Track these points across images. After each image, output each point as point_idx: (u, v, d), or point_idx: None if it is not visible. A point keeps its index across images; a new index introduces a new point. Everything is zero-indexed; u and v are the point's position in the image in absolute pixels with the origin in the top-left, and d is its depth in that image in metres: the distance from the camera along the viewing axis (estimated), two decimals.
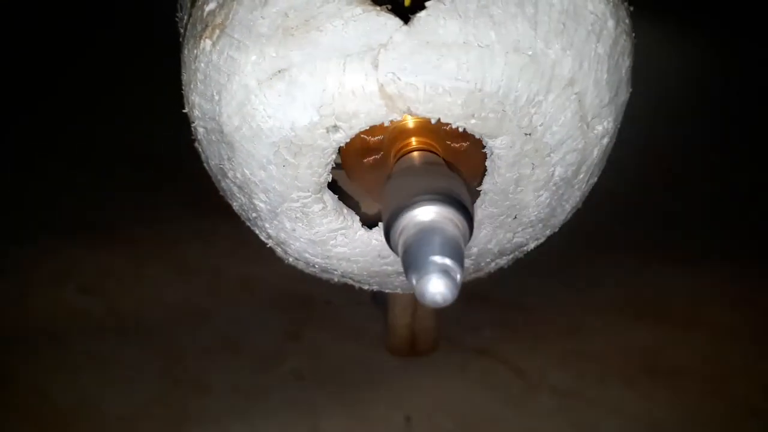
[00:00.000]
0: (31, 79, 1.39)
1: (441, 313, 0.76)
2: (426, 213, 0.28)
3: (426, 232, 0.27)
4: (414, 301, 0.70)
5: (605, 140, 0.34)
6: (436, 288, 0.26)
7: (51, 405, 0.71)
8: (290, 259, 0.40)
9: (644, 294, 0.88)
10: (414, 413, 0.71)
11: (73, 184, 1.10)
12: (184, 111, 0.36)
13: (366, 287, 0.42)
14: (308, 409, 0.72)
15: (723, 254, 0.94)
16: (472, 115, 0.30)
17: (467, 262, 0.39)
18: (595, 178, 0.37)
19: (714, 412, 0.71)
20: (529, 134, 0.31)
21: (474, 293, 0.84)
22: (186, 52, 0.35)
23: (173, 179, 1.04)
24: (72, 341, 0.79)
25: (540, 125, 0.31)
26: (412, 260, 0.27)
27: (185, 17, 0.36)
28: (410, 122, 0.35)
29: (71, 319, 0.82)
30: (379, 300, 0.78)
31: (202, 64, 0.33)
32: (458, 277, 0.26)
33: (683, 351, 0.79)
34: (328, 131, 0.31)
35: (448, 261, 0.26)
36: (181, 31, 0.36)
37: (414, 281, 0.26)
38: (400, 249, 0.28)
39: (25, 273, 0.90)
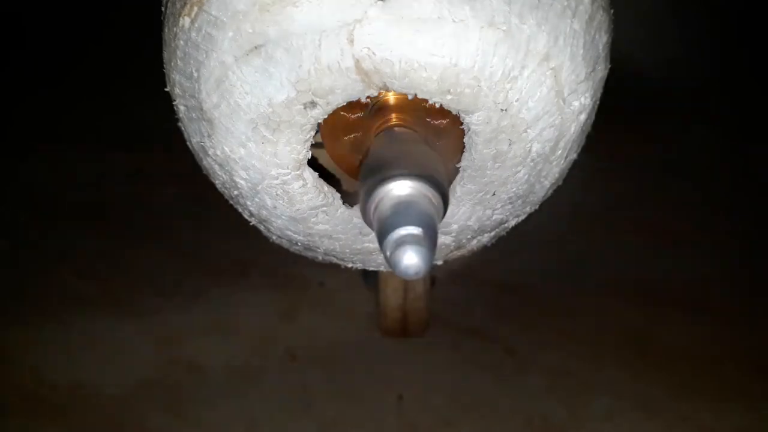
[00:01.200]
0: (34, 70, 1.40)
1: (433, 293, 0.76)
2: (401, 187, 0.28)
3: (401, 205, 0.28)
4: (405, 284, 0.71)
5: (582, 116, 0.34)
6: (410, 260, 0.26)
7: (47, 385, 0.73)
8: (273, 238, 0.40)
9: (636, 275, 0.88)
10: (406, 392, 0.72)
11: (67, 168, 1.10)
12: (165, 89, 0.37)
13: (350, 265, 0.42)
14: (302, 389, 0.73)
15: (716, 237, 0.94)
16: (448, 91, 0.30)
17: (448, 239, 0.39)
18: (574, 155, 0.37)
19: (705, 393, 0.72)
20: (505, 110, 0.31)
21: (466, 274, 0.85)
22: (166, 30, 0.35)
23: (166, 162, 1.05)
24: (68, 323, 0.80)
25: (516, 101, 0.31)
26: (386, 232, 0.27)
27: None
28: (390, 99, 0.35)
29: (67, 301, 0.83)
30: (370, 281, 0.79)
31: (182, 42, 0.33)
32: (431, 249, 0.27)
33: (675, 332, 0.80)
34: (305, 107, 0.31)
35: (421, 233, 0.26)
36: (163, 9, 0.36)
37: (388, 253, 0.27)
38: (375, 222, 0.29)
39: (21, 257, 0.90)
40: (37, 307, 0.82)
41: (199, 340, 0.78)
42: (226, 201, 0.42)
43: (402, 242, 0.26)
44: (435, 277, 0.77)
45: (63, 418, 0.69)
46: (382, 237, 0.27)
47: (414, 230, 0.27)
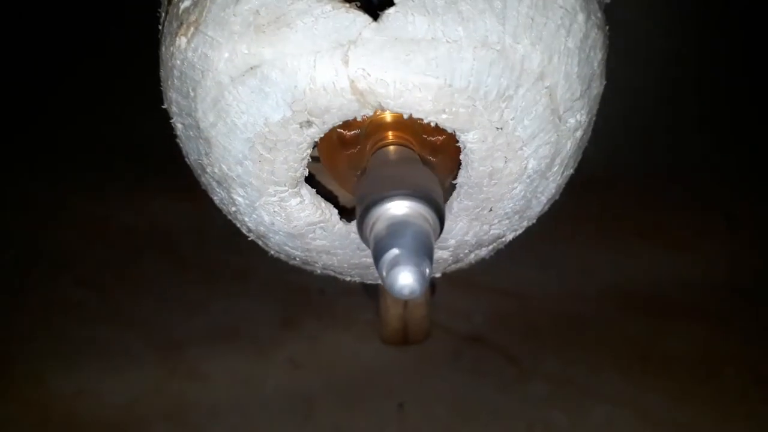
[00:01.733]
0: (35, 79, 1.41)
1: (433, 301, 0.76)
2: (398, 207, 0.29)
3: (397, 225, 0.28)
4: None
5: (578, 133, 0.34)
6: (405, 280, 0.26)
7: (50, 394, 0.73)
8: (272, 252, 0.41)
9: (638, 282, 0.88)
10: (407, 400, 0.72)
11: (68, 178, 1.10)
12: (163, 107, 0.37)
13: (348, 279, 0.43)
14: (303, 396, 0.73)
15: (717, 242, 0.94)
16: (443, 110, 0.31)
17: (446, 254, 0.39)
18: (571, 170, 0.37)
19: (705, 399, 0.72)
20: (501, 128, 0.31)
21: (467, 281, 0.85)
22: (163, 49, 0.35)
23: (170, 172, 1.05)
24: (69, 332, 0.80)
25: (511, 119, 0.31)
26: (381, 253, 0.27)
27: (163, 14, 0.36)
28: (387, 116, 0.36)
29: (68, 310, 0.83)
30: (370, 290, 0.79)
31: (178, 61, 0.33)
32: (427, 270, 0.27)
33: (675, 339, 0.79)
34: (301, 126, 0.32)
35: (417, 254, 0.27)
36: (160, 28, 0.37)
37: (384, 273, 0.27)
38: (371, 241, 0.29)
39: (21, 265, 0.91)
40: (39, 317, 0.82)
41: (201, 348, 0.78)
42: None
43: (397, 263, 0.27)
44: (435, 285, 0.78)
45: (66, 427, 0.70)
46: (377, 257, 0.27)
47: (409, 251, 0.27)
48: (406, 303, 0.72)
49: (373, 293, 0.77)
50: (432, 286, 0.76)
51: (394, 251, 0.27)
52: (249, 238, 0.40)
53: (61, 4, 1.60)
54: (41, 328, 0.81)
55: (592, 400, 0.72)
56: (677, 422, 0.70)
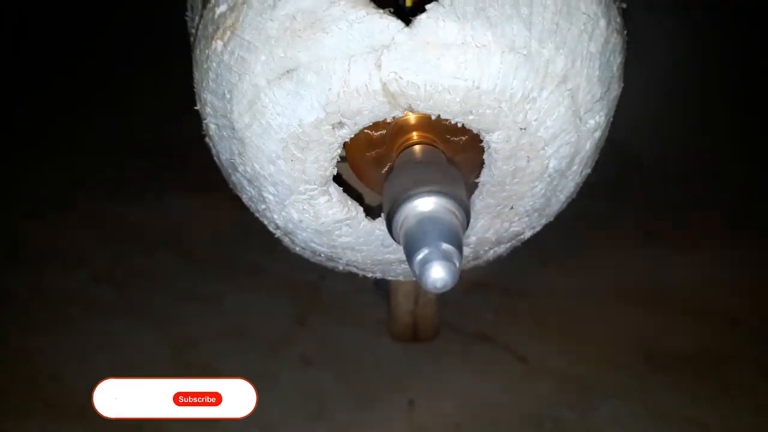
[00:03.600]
0: (48, 74, 1.41)
1: (443, 299, 0.78)
2: (426, 204, 0.30)
3: (426, 221, 0.29)
4: (415, 289, 0.72)
5: (597, 134, 0.35)
6: (438, 274, 0.27)
7: (65, 388, 0.74)
8: (297, 249, 0.42)
9: (644, 280, 0.89)
10: (417, 397, 0.73)
11: (85, 174, 1.11)
12: (195, 108, 0.38)
13: (369, 275, 0.44)
14: (315, 392, 0.74)
15: (723, 241, 0.95)
16: (470, 112, 0.32)
17: (466, 251, 0.41)
18: (589, 170, 0.38)
19: (712, 396, 0.73)
20: (524, 129, 0.33)
21: (476, 280, 0.86)
22: (198, 51, 0.36)
23: (183, 169, 1.06)
24: (85, 327, 0.81)
25: (534, 120, 0.33)
26: (414, 248, 0.28)
27: (197, 18, 0.37)
28: (412, 118, 0.37)
29: (84, 305, 0.84)
30: (381, 288, 0.80)
31: (214, 64, 0.34)
32: (458, 263, 0.28)
33: (681, 336, 0.80)
34: (333, 128, 0.33)
35: (448, 248, 0.28)
36: (192, 31, 0.38)
37: (416, 268, 0.28)
38: (401, 238, 0.30)
39: (38, 261, 0.92)
40: (56, 313, 0.83)
41: (215, 344, 0.79)
42: (240, 208, 0.43)
43: (430, 258, 0.28)
44: None
45: (82, 421, 0.71)
46: (410, 253, 0.29)
47: (440, 245, 0.28)
48: (416, 301, 0.73)
49: (384, 291, 0.78)
50: None
51: (426, 247, 0.28)
52: (275, 236, 0.42)
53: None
54: (57, 324, 0.82)
55: (599, 397, 0.73)
56: (685, 417, 0.71)
